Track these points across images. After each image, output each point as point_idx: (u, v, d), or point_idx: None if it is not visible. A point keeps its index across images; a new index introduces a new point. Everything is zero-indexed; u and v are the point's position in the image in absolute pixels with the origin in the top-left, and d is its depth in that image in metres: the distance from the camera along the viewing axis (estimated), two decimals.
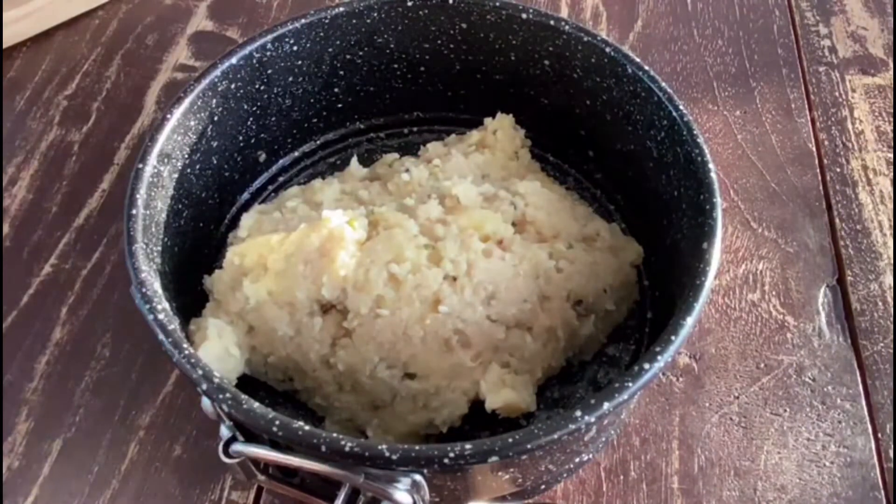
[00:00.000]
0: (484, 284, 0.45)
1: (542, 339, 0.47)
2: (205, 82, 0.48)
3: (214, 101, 0.49)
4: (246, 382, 0.46)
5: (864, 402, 0.51)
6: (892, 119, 0.66)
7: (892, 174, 0.62)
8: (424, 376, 0.45)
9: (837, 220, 0.60)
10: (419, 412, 0.46)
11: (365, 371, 0.45)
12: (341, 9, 0.51)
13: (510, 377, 0.45)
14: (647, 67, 0.48)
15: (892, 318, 0.55)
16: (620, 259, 0.50)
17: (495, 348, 0.46)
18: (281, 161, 0.58)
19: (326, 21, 0.51)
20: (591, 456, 0.48)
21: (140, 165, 0.44)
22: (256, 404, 0.36)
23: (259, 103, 0.52)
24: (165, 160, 0.45)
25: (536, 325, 0.46)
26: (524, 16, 0.50)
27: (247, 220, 0.50)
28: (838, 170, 0.63)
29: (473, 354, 0.45)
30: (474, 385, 0.45)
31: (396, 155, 0.56)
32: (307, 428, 0.35)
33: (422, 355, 0.45)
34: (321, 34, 0.52)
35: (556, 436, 0.35)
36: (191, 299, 0.47)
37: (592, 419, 0.35)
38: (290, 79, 0.53)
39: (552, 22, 0.50)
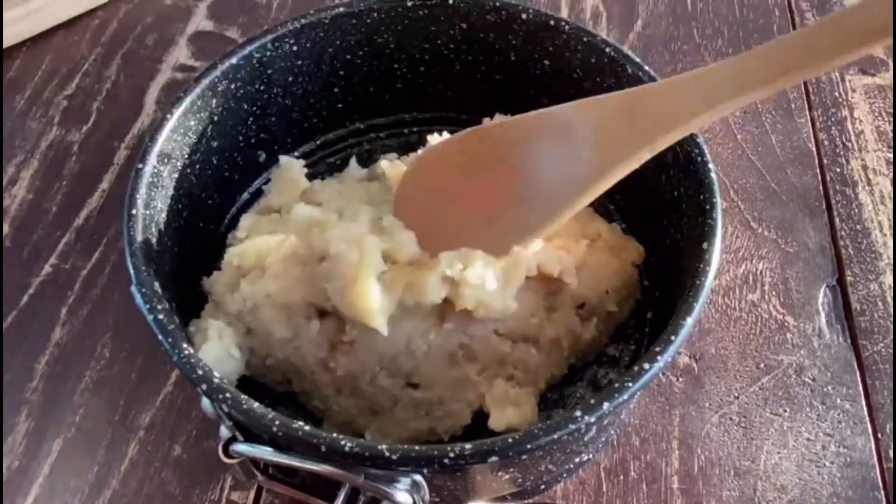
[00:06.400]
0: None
1: (547, 350, 0.46)
2: (205, 82, 0.48)
3: (214, 101, 0.49)
4: (246, 383, 0.46)
5: (864, 402, 0.51)
6: (892, 119, 0.66)
7: (892, 174, 0.62)
8: (428, 387, 0.45)
9: (837, 220, 0.60)
10: (421, 419, 0.45)
11: (365, 378, 0.45)
12: (341, 9, 0.51)
13: (514, 391, 0.45)
14: (647, 67, 0.48)
15: (892, 318, 0.55)
16: (621, 259, 0.49)
17: (501, 362, 0.45)
18: None
19: (326, 21, 0.51)
20: (591, 456, 0.48)
21: (140, 165, 0.44)
22: (256, 404, 0.36)
23: (259, 103, 0.52)
24: (165, 160, 0.45)
25: (542, 337, 0.46)
26: (524, 16, 0.50)
27: (246, 220, 0.50)
28: (838, 170, 0.63)
29: (479, 369, 0.45)
30: (479, 397, 0.45)
31: (395, 155, 0.56)
32: (307, 428, 0.35)
33: (425, 367, 0.45)
34: (321, 34, 0.52)
35: (556, 436, 0.35)
36: (191, 300, 0.47)
37: (592, 419, 0.35)
38: (290, 79, 0.53)
39: (552, 22, 0.50)
